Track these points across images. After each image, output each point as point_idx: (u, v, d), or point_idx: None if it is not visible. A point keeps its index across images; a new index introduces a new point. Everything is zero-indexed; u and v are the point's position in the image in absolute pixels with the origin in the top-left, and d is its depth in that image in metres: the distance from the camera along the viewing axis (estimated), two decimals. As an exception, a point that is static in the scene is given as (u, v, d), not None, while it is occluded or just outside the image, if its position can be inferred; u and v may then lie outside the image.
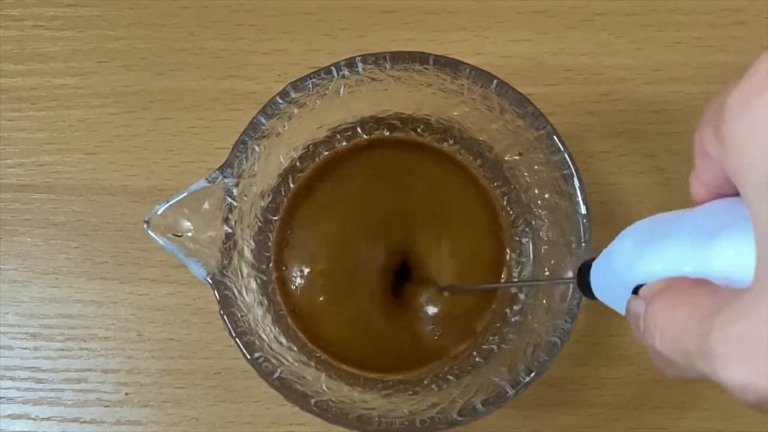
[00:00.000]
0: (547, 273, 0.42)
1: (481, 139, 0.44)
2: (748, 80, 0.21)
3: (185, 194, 0.38)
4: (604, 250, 0.29)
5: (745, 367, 0.20)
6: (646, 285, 0.25)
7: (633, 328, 0.26)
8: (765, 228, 0.20)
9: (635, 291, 0.26)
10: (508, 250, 0.45)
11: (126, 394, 0.48)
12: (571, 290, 0.38)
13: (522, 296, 0.44)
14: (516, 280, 0.45)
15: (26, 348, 0.48)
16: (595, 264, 0.30)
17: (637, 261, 0.26)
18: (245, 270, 0.41)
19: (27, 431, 0.47)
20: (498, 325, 0.44)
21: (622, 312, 0.27)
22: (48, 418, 0.47)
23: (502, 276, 0.45)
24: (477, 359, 0.43)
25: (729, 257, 0.22)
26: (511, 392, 0.38)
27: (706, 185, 0.25)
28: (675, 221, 0.25)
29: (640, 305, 0.25)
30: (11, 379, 0.48)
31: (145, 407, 0.47)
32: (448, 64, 0.39)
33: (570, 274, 0.40)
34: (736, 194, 0.22)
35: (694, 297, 0.22)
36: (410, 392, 0.42)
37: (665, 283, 0.24)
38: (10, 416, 0.47)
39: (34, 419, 0.47)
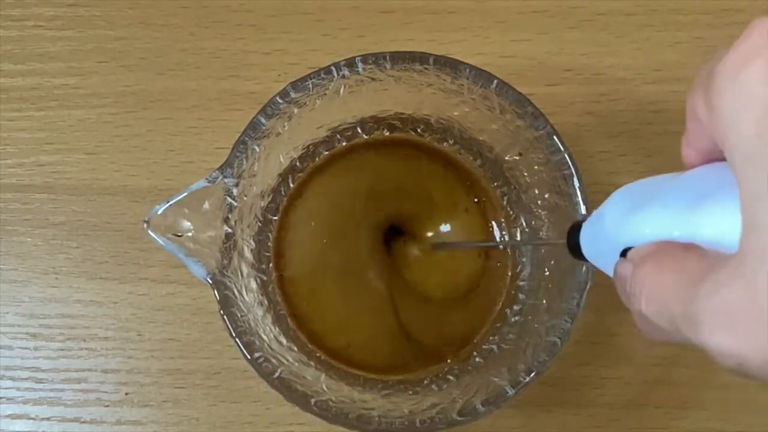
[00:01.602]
0: (547, 273, 0.42)
1: (481, 139, 0.44)
2: (736, 49, 0.21)
3: (185, 194, 0.38)
4: (594, 211, 0.29)
5: (728, 334, 0.20)
6: (634, 248, 0.25)
7: (619, 291, 0.26)
8: (750, 194, 0.20)
9: (623, 254, 0.26)
10: (508, 250, 0.45)
11: (126, 394, 0.48)
12: (571, 291, 0.38)
13: (522, 296, 0.44)
14: (507, 241, 0.45)
15: (26, 348, 0.48)
16: (585, 225, 0.30)
17: (626, 223, 0.26)
18: (245, 270, 0.41)
19: (27, 431, 0.47)
20: (498, 325, 0.44)
21: (611, 274, 0.27)
22: (48, 418, 0.47)
23: (506, 285, 0.45)
24: (477, 359, 0.43)
25: (716, 222, 0.22)
26: (511, 392, 0.38)
27: (697, 149, 0.25)
28: (665, 184, 0.25)
29: (627, 268, 0.25)
30: (11, 379, 0.48)
31: (145, 407, 0.47)
32: (448, 64, 0.39)
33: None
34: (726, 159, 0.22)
35: (682, 261, 0.22)
36: (410, 392, 0.42)
37: (653, 246, 0.24)
38: (10, 416, 0.47)
39: (34, 419, 0.47)
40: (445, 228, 0.45)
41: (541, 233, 0.43)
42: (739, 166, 0.20)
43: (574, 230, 0.31)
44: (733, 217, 0.21)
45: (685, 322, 0.21)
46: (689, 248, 0.23)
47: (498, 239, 0.45)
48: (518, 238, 0.45)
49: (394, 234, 0.46)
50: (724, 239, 0.21)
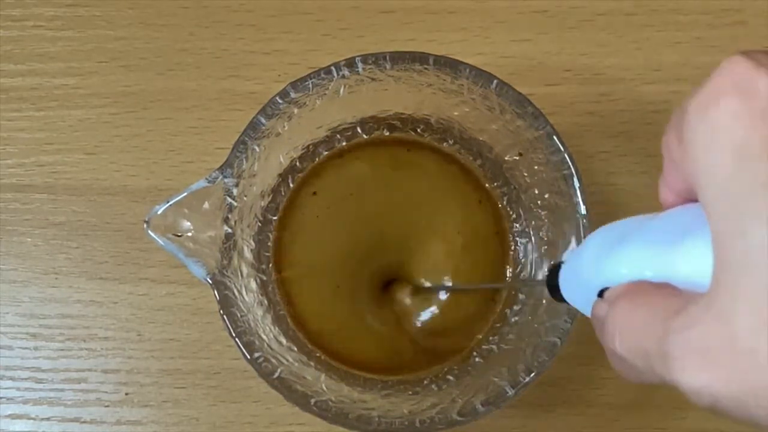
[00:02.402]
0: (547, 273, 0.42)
1: (481, 139, 0.44)
2: (706, 87, 0.21)
3: (185, 194, 0.38)
4: (572, 252, 0.29)
5: (700, 372, 0.20)
6: (610, 288, 0.25)
7: (597, 331, 0.26)
8: (720, 232, 0.20)
9: (600, 294, 0.26)
10: (508, 250, 0.45)
11: (126, 394, 0.48)
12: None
13: (522, 296, 0.44)
14: (493, 283, 0.45)
15: (26, 348, 0.48)
16: (563, 266, 0.30)
17: (602, 264, 0.26)
18: (245, 270, 0.41)
19: (27, 431, 0.47)
20: (498, 325, 0.44)
21: (589, 315, 0.27)
22: (48, 418, 0.47)
23: (507, 277, 0.45)
24: (477, 359, 0.43)
25: (691, 262, 0.22)
26: (510, 392, 0.38)
27: (674, 190, 0.25)
28: (641, 225, 0.25)
29: (603, 308, 0.25)
30: (11, 379, 0.48)
31: (145, 407, 0.47)
32: (448, 64, 0.39)
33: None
34: None
35: (655, 299, 0.22)
36: (410, 392, 0.42)
37: (628, 286, 0.24)
38: (10, 416, 0.47)
39: (34, 419, 0.47)
40: (447, 224, 0.45)
41: (540, 233, 0.43)
42: (710, 203, 0.20)
43: (554, 271, 0.31)
44: (706, 257, 0.21)
45: (658, 360, 0.21)
46: (662, 287, 0.23)
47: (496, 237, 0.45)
48: (518, 237, 0.45)
49: (395, 234, 0.46)
50: (697, 279, 0.21)
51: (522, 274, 0.44)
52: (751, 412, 0.19)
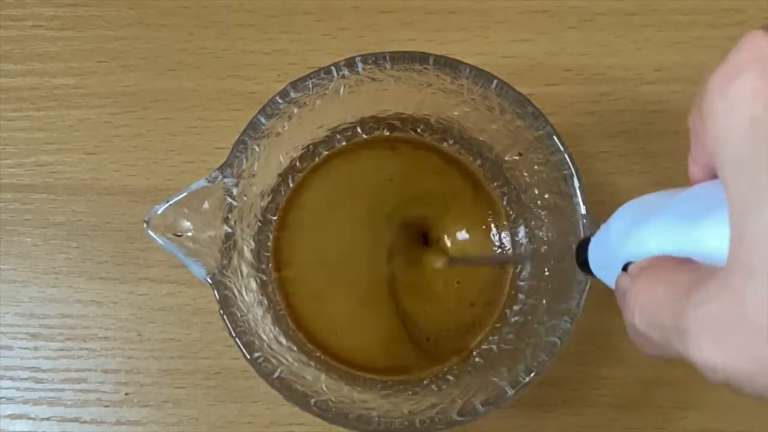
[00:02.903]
0: (547, 273, 0.42)
1: (481, 139, 0.44)
2: (726, 63, 0.21)
3: (185, 194, 0.38)
4: (602, 225, 0.29)
5: (715, 348, 0.20)
6: (634, 263, 0.26)
7: (620, 305, 0.26)
8: (737, 206, 0.20)
9: (625, 268, 0.26)
10: (508, 250, 0.45)
11: (126, 394, 0.47)
12: (571, 291, 0.38)
13: (522, 296, 0.44)
14: (510, 255, 0.45)
15: (26, 348, 0.48)
16: (593, 240, 0.30)
17: (628, 238, 0.26)
18: (245, 270, 0.41)
19: (27, 431, 0.47)
20: (498, 325, 0.44)
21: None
22: (48, 418, 0.47)
23: (506, 285, 0.45)
24: (477, 359, 0.43)
25: (712, 238, 0.22)
26: (510, 392, 0.38)
27: (701, 165, 0.25)
28: (667, 200, 0.26)
29: (626, 282, 0.25)
30: (11, 379, 0.48)
31: (145, 407, 0.47)
32: (448, 64, 0.39)
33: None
34: None
35: (674, 275, 0.23)
36: (410, 392, 0.42)
37: (650, 261, 0.24)
38: (10, 416, 0.47)
39: (34, 419, 0.47)
40: (447, 225, 0.45)
41: (540, 233, 0.43)
42: (728, 178, 0.20)
43: (583, 246, 0.31)
44: (726, 233, 0.21)
45: (675, 335, 0.21)
46: (683, 262, 0.23)
47: (496, 237, 0.45)
48: (519, 239, 0.45)
49: (395, 234, 0.46)
50: (718, 254, 0.21)
51: (522, 274, 0.44)
52: (762, 389, 0.19)
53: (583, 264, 0.31)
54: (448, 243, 0.45)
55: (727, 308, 0.20)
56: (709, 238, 0.22)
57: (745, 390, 0.20)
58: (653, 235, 0.25)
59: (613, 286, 0.28)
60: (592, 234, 0.31)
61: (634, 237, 0.26)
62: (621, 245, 0.27)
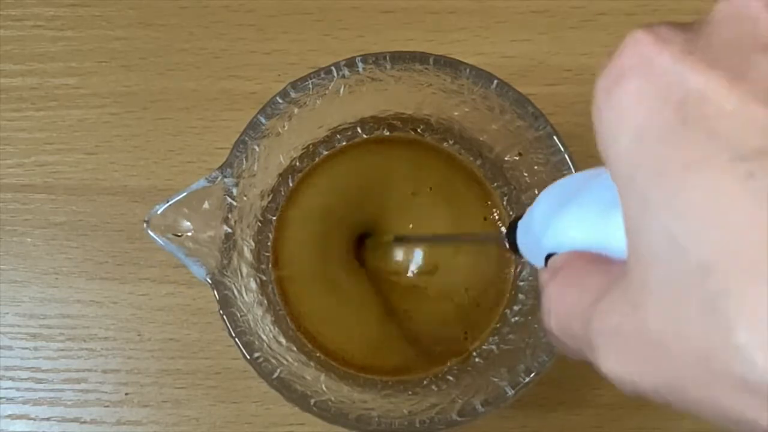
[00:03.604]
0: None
1: (481, 139, 0.44)
2: (608, 67, 0.20)
3: (185, 194, 0.38)
4: (528, 208, 0.28)
5: (620, 361, 0.19)
6: (554, 256, 0.24)
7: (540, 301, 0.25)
8: (630, 222, 0.19)
9: (547, 259, 0.25)
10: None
11: (126, 394, 0.47)
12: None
13: (522, 296, 0.44)
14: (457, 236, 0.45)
15: (26, 348, 0.48)
16: (519, 224, 0.29)
17: (548, 225, 0.25)
18: (245, 270, 0.41)
19: (27, 431, 0.47)
20: (498, 325, 0.44)
21: None
22: (48, 418, 0.47)
23: (508, 286, 0.45)
24: (477, 359, 0.43)
25: (619, 233, 0.20)
26: (510, 393, 0.38)
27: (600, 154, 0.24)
28: (584, 185, 0.24)
29: (545, 278, 0.24)
30: (11, 379, 0.48)
31: (145, 407, 0.47)
32: (449, 64, 0.39)
33: None
34: None
35: (585, 278, 0.22)
36: (410, 392, 0.42)
37: (565, 259, 0.23)
38: (10, 416, 0.47)
39: (34, 419, 0.47)
40: (447, 225, 0.45)
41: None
42: (620, 189, 0.19)
43: (513, 226, 0.29)
44: None
45: (584, 344, 0.21)
46: (595, 262, 0.22)
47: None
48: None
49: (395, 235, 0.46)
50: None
51: (522, 273, 0.44)
52: (669, 402, 0.19)
53: (513, 245, 0.29)
54: (439, 252, 0.45)
55: (628, 322, 0.19)
56: (617, 234, 0.20)
57: (653, 400, 0.19)
58: (569, 225, 0.23)
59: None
60: (521, 216, 0.29)
61: (553, 225, 0.24)
62: (542, 232, 0.25)
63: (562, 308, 0.22)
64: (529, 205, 0.43)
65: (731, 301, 0.16)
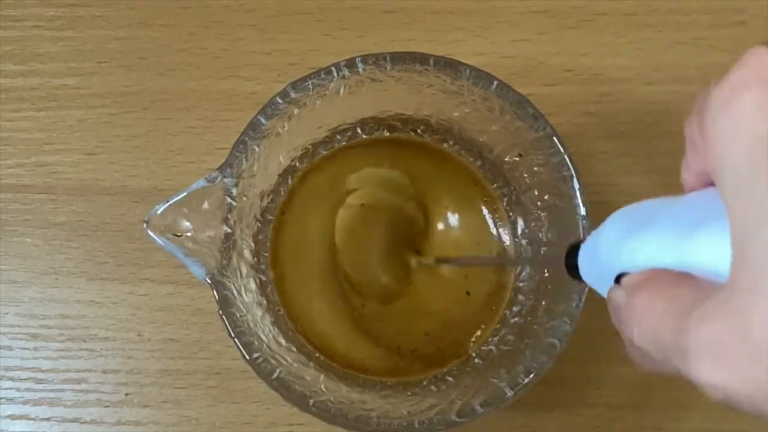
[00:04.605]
0: (546, 274, 0.42)
1: (481, 140, 0.44)
2: (730, 78, 0.20)
3: (185, 194, 0.38)
4: (593, 232, 0.28)
5: (716, 368, 0.20)
6: (628, 275, 0.25)
7: (613, 318, 0.26)
8: (739, 228, 0.20)
9: (618, 279, 0.25)
10: (508, 249, 0.45)
11: (126, 394, 0.47)
12: (571, 292, 0.38)
13: (521, 297, 0.44)
14: (509, 260, 0.45)
15: (26, 348, 0.48)
16: (583, 246, 0.30)
17: (621, 248, 0.26)
18: (244, 270, 0.41)
19: (27, 431, 0.47)
20: (497, 326, 0.44)
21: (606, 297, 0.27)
22: (48, 419, 0.47)
23: (509, 287, 0.45)
24: (476, 360, 0.43)
25: (709, 252, 0.21)
26: (509, 393, 0.38)
27: (695, 174, 0.25)
28: (661, 208, 0.25)
29: (620, 296, 0.25)
30: (11, 379, 0.48)
31: (145, 407, 0.47)
32: (449, 65, 0.39)
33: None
34: None
35: (674, 290, 0.22)
36: (409, 393, 0.42)
37: (647, 274, 0.24)
38: (10, 416, 0.47)
39: (34, 419, 0.47)
40: (446, 227, 0.45)
41: (540, 234, 0.43)
42: (729, 197, 0.20)
43: (573, 250, 0.30)
44: (723, 248, 0.20)
45: (675, 353, 0.21)
46: (682, 277, 0.23)
47: (499, 238, 0.45)
48: (519, 240, 0.45)
49: (395, 236, 0.46)
50: (717, 269, 0.21)
51: (522, 275, 0.44)
52: (763, 410, 0.19)
53: (573, 269, 0.30)
54: (447, 243, 0.45)
55: (730, 329, 0.19)
56: (707, 252, 0.21)
57: (744, 409, 0.20)
58: (648, 246, 0.24)
59: (604, 294, 0.27)
60: (583, 240, 0.30)
61: (626, 247, 0.25)
62: (613, 255, 0.26)
63: (650, 319, 0.23)
64: (529, 205, 0.43)
65: None
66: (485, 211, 0.45)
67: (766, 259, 0.19)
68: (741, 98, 0.20)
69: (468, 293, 0.45)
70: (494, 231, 0.45)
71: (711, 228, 0.21)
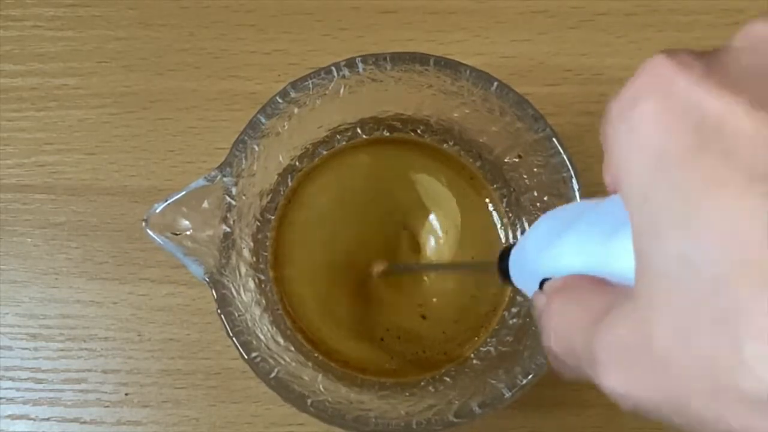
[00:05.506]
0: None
1: (481, 140, 0.44)
2: (626, 89, 0.20)
3: (184, 193, 0.38)
4: (521, 236, 0.28)
5: (622, 376, 0.19)
6: (550, 280, 0.25)
7: (537, 323, 0.25)
8: (640, 240, 0.19)
9: (542, 284, 0.25)
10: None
11: (126, 394, 0.47)
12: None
13: (520, 298, 0.44)
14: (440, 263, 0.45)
15: (26, 348, 0.48)
16: (513, 251, 0.29)
17: (543, 253, 0.25)
18: (243, 269, 0.41)
19: (27, 431, 0.47)
20: (496, 327, 0.44)
21: None
22: (48, 419, 0.47)
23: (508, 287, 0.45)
24: (474, 361, 0.43)
25: (622, 258, 0.21)
26: (507, 394, 0.38)
27: (613, 176, 0.24)
28: (585, 212, 0.24)
29: (542, 301, 0.24)
30: (11, 379, 0.48)
31: (145, 407, 0.47)
32: (449, 66, 0.39)
33: None
34: None
35: (588, 297, 0.22)
36: (407, 393, 0.42)
37: (564, 281, 0.24)
38: (10, 416, 0.47)
39: (34, 419, 0.47)
40: (446, 227, 0.45)
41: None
42: (631, 207, 0.20)
43: (504, 254, 0.30)
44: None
45: (585, 360, 0.21)
46: (598, 283, 0.22)
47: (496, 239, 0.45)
48: (517, 239, 0.45)
49: (394, 235, 0.46)
50: (629, 275, 0.20)
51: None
52: (670, 419, 0.19)
53: (504, 273, 0.30)
54: (446, 244, 0.45)
55: (633, 338, 0.19)
56: (620, 258, 0.21)
57: (653, 417, 0.19)
58: (567, 252, 0.24)
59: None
60: (513, 245, 0.30)
61: (549, 252, 0.25)
62: (537, 260, 0.26)
63: (563, 326, 0.22)
64: (528, 206, 0.43)
65: (741, 316, 0.16)
66: (485, 211, 0.45)
67: (661, 271, 0.18)
68: (639, 109, 0.19)
69: (472, 296, 0.45)
70: (494, 232, 0.45)
71: (627, 234, 0.21)
